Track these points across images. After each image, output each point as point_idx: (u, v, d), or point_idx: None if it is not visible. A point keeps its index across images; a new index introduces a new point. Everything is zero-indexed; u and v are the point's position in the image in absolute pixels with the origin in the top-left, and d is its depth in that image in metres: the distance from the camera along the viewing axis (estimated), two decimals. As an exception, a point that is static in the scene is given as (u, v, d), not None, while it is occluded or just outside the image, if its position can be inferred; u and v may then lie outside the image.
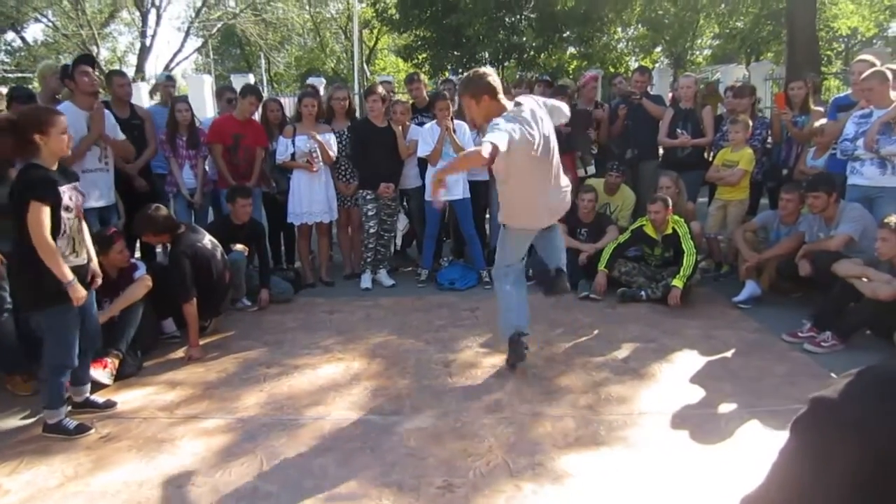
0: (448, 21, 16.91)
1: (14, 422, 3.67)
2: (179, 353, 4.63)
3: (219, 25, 30.02)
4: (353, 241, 6.56)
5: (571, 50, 20.47)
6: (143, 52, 28.56)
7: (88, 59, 5.38)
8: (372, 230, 6.13)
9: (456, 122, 5.96)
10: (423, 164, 6.19)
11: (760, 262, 5.47)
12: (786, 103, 6.13)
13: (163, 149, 5.91)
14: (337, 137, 6.11)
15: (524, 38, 17.24)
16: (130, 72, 25.29)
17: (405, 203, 6.80)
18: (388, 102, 6.16)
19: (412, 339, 4.81)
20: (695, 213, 6.20)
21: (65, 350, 3.37)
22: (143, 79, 22.17)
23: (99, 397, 3.83)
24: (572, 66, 20.20)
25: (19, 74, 25.60)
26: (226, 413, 3.71)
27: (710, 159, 6.45)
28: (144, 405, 3.84)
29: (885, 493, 0.74)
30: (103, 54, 29.32)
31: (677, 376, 4.05)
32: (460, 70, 18.03)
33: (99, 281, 3.65)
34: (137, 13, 28.48)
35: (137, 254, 5.88)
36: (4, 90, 5.27)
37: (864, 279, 4.41)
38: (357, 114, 7.00)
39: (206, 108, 14.69)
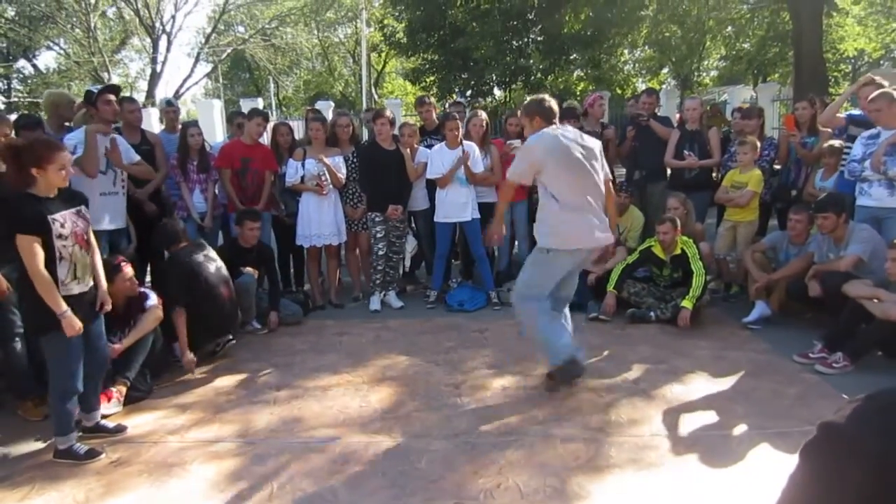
0: (455, 45, 17.06)
1: (25, 447, 3.68)
2: (189, 376, 4.65)
3: (228, 51, 30.42)
4: (361, 264, 6.59)
5: (578, 72, 20.59)
6: (154, 78, 28.95)
7: (115, 90, 5.50)
8: (381, 252, 6.15)
9: (465, 143, 6.01)
10: (431, 185, 6.23)
11: (770, 283, 5.45)
12: (795, 125, 6.15)
13: (174, 173, 5.97)
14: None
15: (531, 61, 17.37)
16: (141, 97, 25.60)
17: (413, 225, 6.83)
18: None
19: (421, 361, 4.81)
20: (704, 233, 6.19)
21: (68, 375, 3.37)
22: (153, 104, 22.42)
23: (109, 422, 3.84)
24: (579, 88, 20.31)
25: (31, 100, 25.96)
26: (236, 436, 3.71)
27: (719, 180, 6.47)
28: (155, 429, 3.84)
29: None
30: (114, 80, 29.69)
31: (688, 398, 4.03)
32: (468, 92, 18.14)
33: (108, 307, 3.65)
34: (148, 40, 28.89)
35: (148, 277, 5.93)
36: (13, 117, 5.35)
37: (875, 300, 4.39)
38: (363, 138, 7.03)
39: (215, 133, 14.85)
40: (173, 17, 28.86)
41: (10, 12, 26.33)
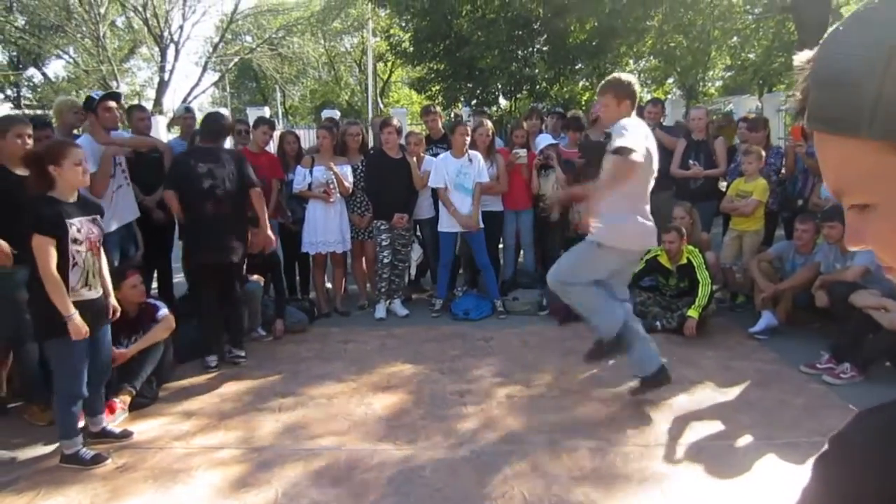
0: (461, 54, 17.10)
1: (31, 451, 3.69)
2: (195, 382, 4.65)
3: (235, 60, 30.54)
4: (367, 272, 6.60)
5: (584, 82, 20.61)
6: (162, 87, 29.06)
7: (115, 97, 5.49)
8: (386, 260, 6.16)
9: (471, 152, 6.02)
10: (436, 194, 6.23)
11: (777, 293, 5.44)
12: (802, 135, 6.15)
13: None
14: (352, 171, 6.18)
15: (536, 70, 17.37)
16: (149, 105, 25.72)
17: (419, 233, 6.83)
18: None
19: (427, 369, 4.80)
20: (710, 243, 6.18)
21: (71, 380, 3.38)
22: (161, 112, 22.53)
23: (115, 427, 3.85)
24: (584, 98, 20.33)
25: (40, 109, 26.11)
26: (241, 443, 3.71)
27: (724, 190, 6.46)
28: (160, 435, 3.85)
29: None
30: (123, 89, 29.84)
31: (694, 407, 4.02)
32: (473, 101, 18.17)
33: (118, 314, 3.68)
34: (157, 49, 29.03)
35: (154, 284, 5.94)
36: None
37: (883, 310, 4.38)
38: (371, 146, 7.06)
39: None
40: (181, 26, 29.01)
41: (20, 21, 26.54)
